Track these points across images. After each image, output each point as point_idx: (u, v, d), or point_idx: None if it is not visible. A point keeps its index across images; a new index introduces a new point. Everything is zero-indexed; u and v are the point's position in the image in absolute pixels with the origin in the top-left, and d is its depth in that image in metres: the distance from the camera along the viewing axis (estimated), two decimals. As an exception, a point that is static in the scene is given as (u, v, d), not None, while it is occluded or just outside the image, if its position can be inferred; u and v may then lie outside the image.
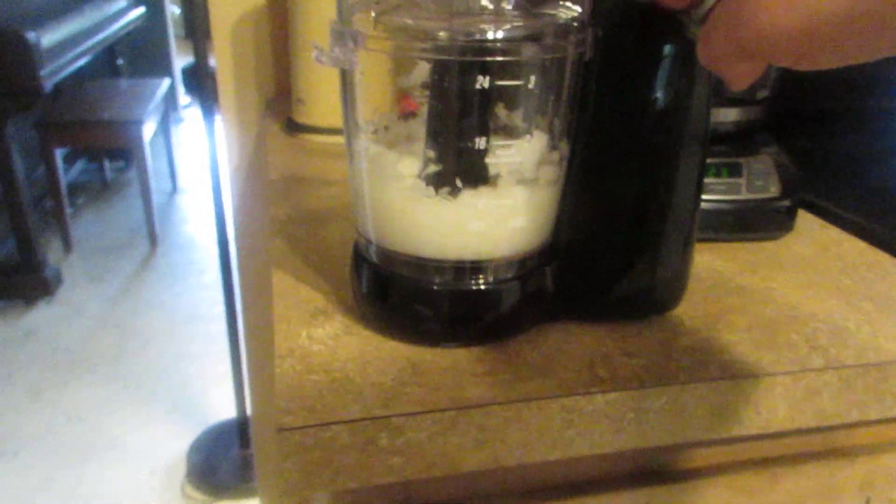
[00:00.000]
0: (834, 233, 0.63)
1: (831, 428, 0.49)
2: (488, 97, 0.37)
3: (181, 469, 1.67)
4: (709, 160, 0.60)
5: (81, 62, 2.68)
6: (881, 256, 0.59)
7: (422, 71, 0.41)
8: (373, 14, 0.37)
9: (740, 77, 0.31)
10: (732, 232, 0.60)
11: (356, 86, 0.40)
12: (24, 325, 2.27)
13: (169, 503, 1.59)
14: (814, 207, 0.68)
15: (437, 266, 0.41)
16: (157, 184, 3.31)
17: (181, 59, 4.34)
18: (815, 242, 0.61)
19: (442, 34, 0.37)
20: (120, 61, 3.64)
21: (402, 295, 0.43)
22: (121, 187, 3.44)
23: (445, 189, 0.39)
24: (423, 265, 0.41)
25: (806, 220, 0.65)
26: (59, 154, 2.70)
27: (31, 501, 1.58)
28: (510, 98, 0.39)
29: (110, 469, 1.68)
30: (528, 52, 0.38)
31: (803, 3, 0.25)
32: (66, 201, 2.74)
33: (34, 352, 2.13)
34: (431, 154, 0.39)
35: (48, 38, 2.33)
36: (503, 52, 0.37)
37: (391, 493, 0.44)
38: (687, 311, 0.49)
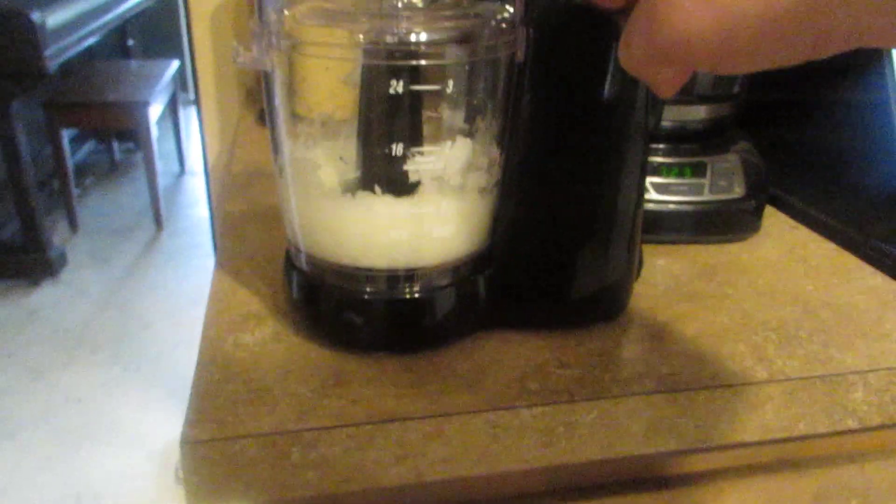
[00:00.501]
0: (802, 234, 0.61)
1: (779, 441, 0.48)
2: (406, 102, 0.36)
3: (177, 454, 1.68)
4: (674, 159, 0.58)
5: (89, 43, 2.67)
6: (848, 260, 0.57)
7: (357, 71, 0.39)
8: (285, 13, 0.36)
9: (665, 83, 0.29)
10: (695, 234, 0.58)
11: (278, 88, 0.39)
12: (28, 305, 2.29)
13: (163, 487, 1.61)
14: (785, 205, 0.66)
15: (365, 274, 0.40)
16: (165, 166, 3.32)
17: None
18: (781, 244, 0.59)
19: (360, 36, 0.35)
20: (130, 42, 3.63)
21: (332, 303, 0.42)
22: (129, 169, 3.45)
23: (365, 194, 0.37)
24: (352, 273, 0.40)
25: (776, 220, 0.63)
26: (66, 135, 2.70)
27: (29, 481, 1.61)
28: (431, 102, 0.37)
29: (107, 451, 1.70)
30: (452, 54, 0.36)
31: (717, 4, 0.24)
32: (72, 182, 2.75)
33: (37, 332, 2.15)
34: (351, 160, 0.38)
35: (54, 18, 2.33)
36: (425, 56, 0.35)
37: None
38: (633, 318, 0.48)
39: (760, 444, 0.44)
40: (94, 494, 1.59)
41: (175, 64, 3.19)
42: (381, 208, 0.38)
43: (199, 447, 0.35)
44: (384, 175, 0.37)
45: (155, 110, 2.80)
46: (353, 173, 0.38)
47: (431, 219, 0.39)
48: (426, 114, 0.38)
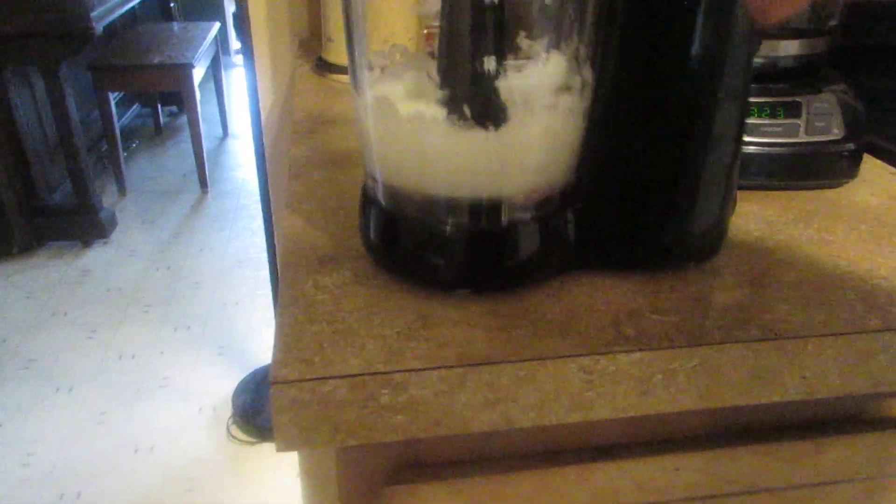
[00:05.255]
0: (903, 181, 0.57)
1: (885, 394, 0.45)
2: (500, 14, 0.33)
3: (227, 410, 1.71)
4: (764, 99, 0.55)
5: (132, 4, 2.68)
6: (956, 207, 0.53)
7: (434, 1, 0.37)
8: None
9: (784, 8, 0.27)
10: (788, 179, 0.55)
11: (358, 12, 0.36)
12: (81, 266, 2.34)
13: (216, 442, 1.64)
14: (883, 152, 0.61)
15: (447, 205, 0.38)
16: (209, 129, 3.34)
17: (233, 4, 4.32)
18: (881, 191, 0.55)
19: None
20: (173, 4, 3.63)
21: (412, 238, 0.40)
22: (173, 132, 3.47)
23: (453, 117, 0.35)
24: (432, 205, 0.38)
25: (872, 167, 0.59)
26: (112, 98, 2.73)
27: (84, 434, 1.65)
28: (525, 15, 0.34)
29: (160, 407, 1.74)
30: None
31: None
32: (120, 145, 2.79)
33: (90, 292, 2.20)
34: (438, 79, 0.35)
35: (99, -21, 2.33)
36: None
37: (397, 450, 0.42)
38: (728, 264, 0.45)
39: (870, 397, 0.41)
40: (149, 447, 1.62)
41: (216, 26, 3.19)
42: (468, 132, 0.35)
43: (287, 388, 0.33)
44: (472, 94, 0.35)
45: (198, 72, 2.80)
46: (438, 93, 0.35)
47: (520, 144, 0.36)
48: (520, 28, 0.35)
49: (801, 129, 0.53)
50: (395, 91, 0.37)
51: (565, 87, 0.36)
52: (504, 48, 0.34)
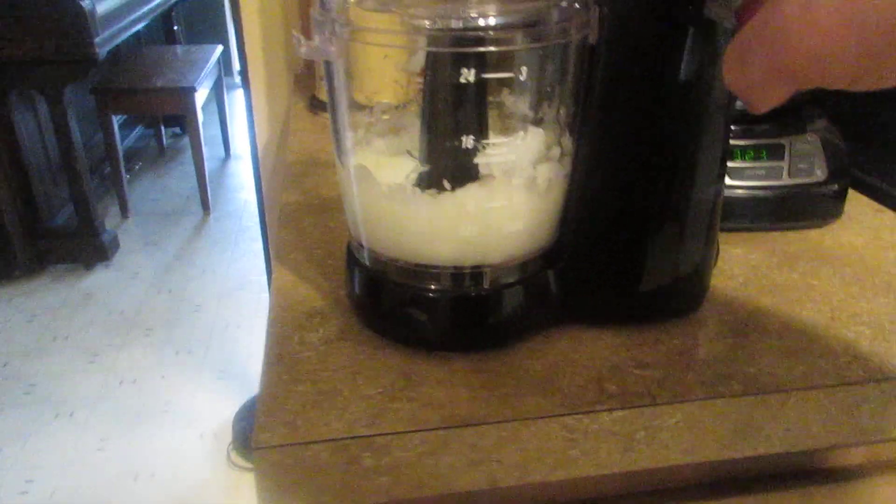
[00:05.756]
0: (888, 218, 0.57)
1: (871, 442, 0.45)
2: (478, 91, 0.34)
3: (227, 435, 1.71)
4: (748, 142, 0.55)
5: (136, 29, 2.70)
6: (941, 248, 0.53)
7: (421, 55, 0.37)
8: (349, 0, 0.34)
9: (771, 101, 0.27)
10: (773, 221, 0.55)
11: (339, 78, 0.37)
12: (83, 289, 2.35)
13: (216, 468, 1.64)
14: (867, 187, 0.62)
15: (431, 272, 0.38)
16: (211, 150, 3.36)
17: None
18: (866, 230, 0.56)
19: (426, 23, 0.33)
20: (176, 27, 3.67)
21: (396, 301, 0.40)
22: (176, 154, 3.49)
23: (433, 190, 0.36)
24: (417, 271, 0.38)
25: (857, 203, 0.59)
26: (115, 120, 2.75)
27: (84, 460, 1.65)
28: (499, 91, 0.35)
29: (161, 432, 1.74)
30: (523, 39, 0.34)
31: (857, 22, 0.21)
32: (123, 167, 2.80)
33: (92, 315, 2.20)
34: (419, 152, 0.36)
35: (103, 5, 2.35)
36: (494, 41, 0.33)
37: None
38: (712, 314, 0.45)
39: (855, 446, 0.41)
40: (149, 473, 1.62)
41: (219, 49, 3.21)
42: (449, 203, 0.36)
43: (271, 452, 0.34)
44: (452, 168, 0.35)
45: (201, 95, 2.82)
46: (419, 167, 0.36)
47: (501, 213, 0.37)
48: (494, 103, 0.36)
49: (785, 172, 0.54)
50: (377, 161, 0.37)
51: (545, 158, 0.37)
52: (483, 126, 0.35)
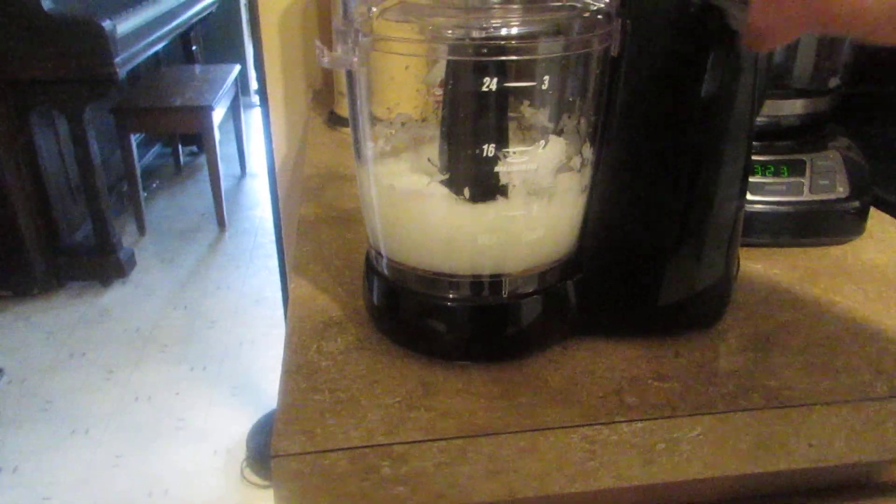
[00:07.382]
0: (911, 236, 0.57)
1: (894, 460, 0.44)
2: (499, 100, 0.34)
3: (241, 452, 1.70)
4: (769, 157, 0.55)
5: (155, 49, 2.75)
6: (965, 264, 0.52)
7: (441, 67, 0.38)
8: (373, 9, 0.34)
9: (782, 41, 0.28)
10: (794, 237, 0.55)
11: (361, 88, 0.37)
12: (100, 306, 2.36)
13: (230, 485, 1.63)
14: (890, 206, 0.61)
15: (450, 281, 0.38)
16: (228, 168, 3.39)
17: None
18: (888, 248, 0.55)
19: (448, 32, 0.33)
20: (195, 47, 3.72)
21: (415, 310, 0.40)
22: (193, 171, 3.53)
23: (452, 199, 0.36)
24: (435, 280, 0.38)
25: (879, 221, 0.59)
26: (133, 139, 2.78)
27: (100, 477, 1.65)
28: (524, 101, 0.35)
29: (175, 449, 1.74)
30: (545, 49, 0.34)
31: None
32: (140, 185, 2.83)
33: (108, 331, 2.22)
34: (439, 161, 0.36)
35: (123, 26, 2.39)
36: (516, 51, 0.33)
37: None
38: (732, 327, 0.45)
39: (881, 463, 0.40)
40: (163, 490, 1.62)
41: (237, 68, 3.25)
42: (469, 211, 0.36)
43: (289, 461, 0.34)
44: (472, 178, 0.36)
45: (218, 114, 2.86)
46: (439, 176, 0.36)
47: (520, 223, 0.37)
48: (515, 112, 0.36)
49: (806, 188, 0.53)
50: (398, 170, 0.37)
51: (565, 168, 0.37)
52: (503, 135, 0.35)
